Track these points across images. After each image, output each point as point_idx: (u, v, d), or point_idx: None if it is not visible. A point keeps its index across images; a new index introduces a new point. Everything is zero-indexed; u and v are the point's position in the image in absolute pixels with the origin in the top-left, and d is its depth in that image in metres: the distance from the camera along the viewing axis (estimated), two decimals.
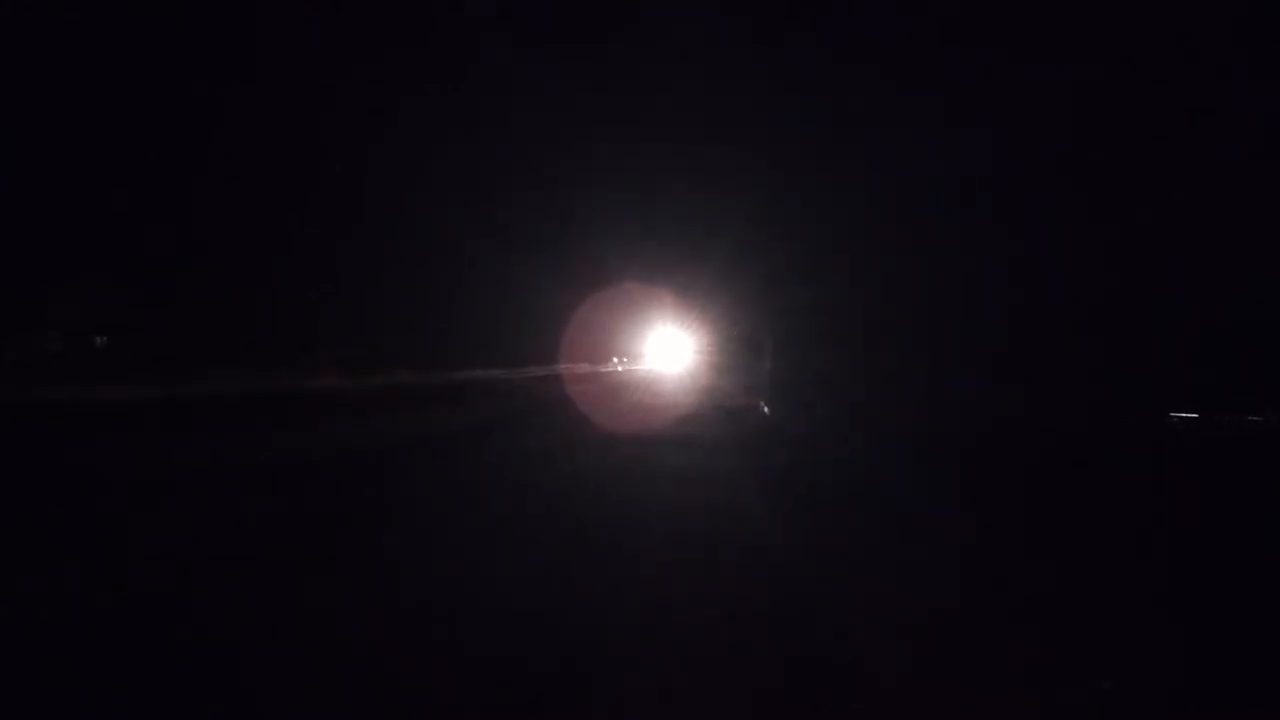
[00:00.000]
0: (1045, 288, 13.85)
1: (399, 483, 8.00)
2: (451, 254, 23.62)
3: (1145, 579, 5.09)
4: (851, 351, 15.33)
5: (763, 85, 21.71)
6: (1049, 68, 14.99)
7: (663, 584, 4.54)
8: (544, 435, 12.55)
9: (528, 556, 5.06)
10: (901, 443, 12.31)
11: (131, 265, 19.53)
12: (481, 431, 12.84)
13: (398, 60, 22.25)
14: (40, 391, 12.97)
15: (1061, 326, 13.65)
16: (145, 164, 19.14)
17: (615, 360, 36.73)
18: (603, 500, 7.00)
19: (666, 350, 35.11)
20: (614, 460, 9.60)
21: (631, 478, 8.31)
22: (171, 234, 19.60)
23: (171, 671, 3.37)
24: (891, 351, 14.87)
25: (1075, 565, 5.36)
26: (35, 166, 17.72)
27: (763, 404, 16.62)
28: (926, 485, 8.47)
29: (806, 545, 5.74)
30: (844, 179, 17.82)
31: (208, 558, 5.05)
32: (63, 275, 18.74)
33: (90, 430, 10.37)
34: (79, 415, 11.33)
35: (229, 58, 19.74)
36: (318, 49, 20.87)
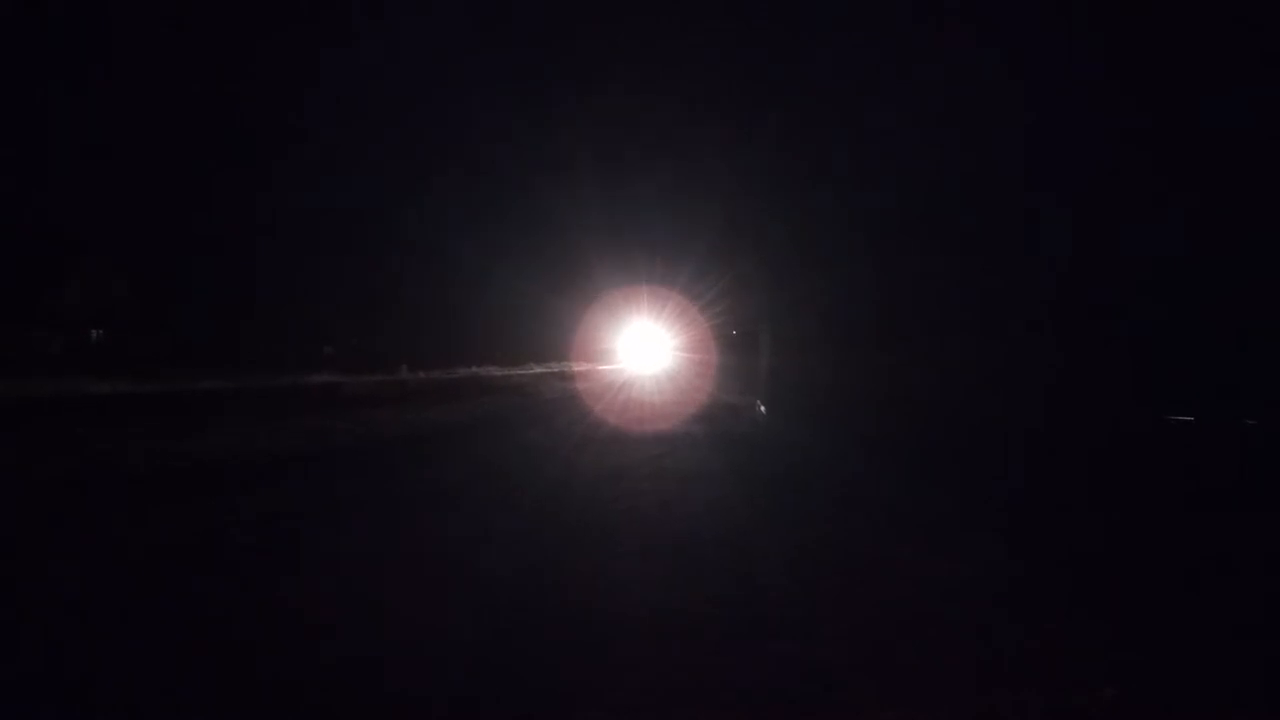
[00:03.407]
0: (1050, 288, 13.97)
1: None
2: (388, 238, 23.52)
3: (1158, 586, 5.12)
4: (859, 350, 15.18)
5: (753, 74, 21.49)
6: (1053, 65, 15.17)
7: None
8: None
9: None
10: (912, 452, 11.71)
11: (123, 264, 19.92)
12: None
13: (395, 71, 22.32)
14: None
15: (1066, 328, 13.77)
16: (144, 163, 19.36)
17: (570, 364, 33.61)
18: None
19: (643, 349, 34.28)
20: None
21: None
22: (167, 233, 19.97)
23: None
24: (900, 351, 14.78)
25: (1087, 571, 5.42)
26: (39, 163, 18.04)
27: (759, 404, 16.33)
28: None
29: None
30: (847, 166, 17.76)
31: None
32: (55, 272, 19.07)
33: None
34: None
35: (232, 58, 19.92)
36: (322, 60, 20.97)
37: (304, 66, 20.77)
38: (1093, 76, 14.58)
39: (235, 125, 20.42)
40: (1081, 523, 6.97)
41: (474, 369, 25.78)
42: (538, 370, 28.88)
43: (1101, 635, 4.11)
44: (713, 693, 3.38)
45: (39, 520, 6.27)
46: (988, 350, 13.81)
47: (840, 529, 6.46)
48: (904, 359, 14.45)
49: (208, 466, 8.76)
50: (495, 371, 26.12)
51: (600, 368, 35.01)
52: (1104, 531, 6.61)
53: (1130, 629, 4.23)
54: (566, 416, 15.74)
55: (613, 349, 35.71)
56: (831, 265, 16.13)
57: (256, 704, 3.27)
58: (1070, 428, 12.41)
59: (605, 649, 3.83)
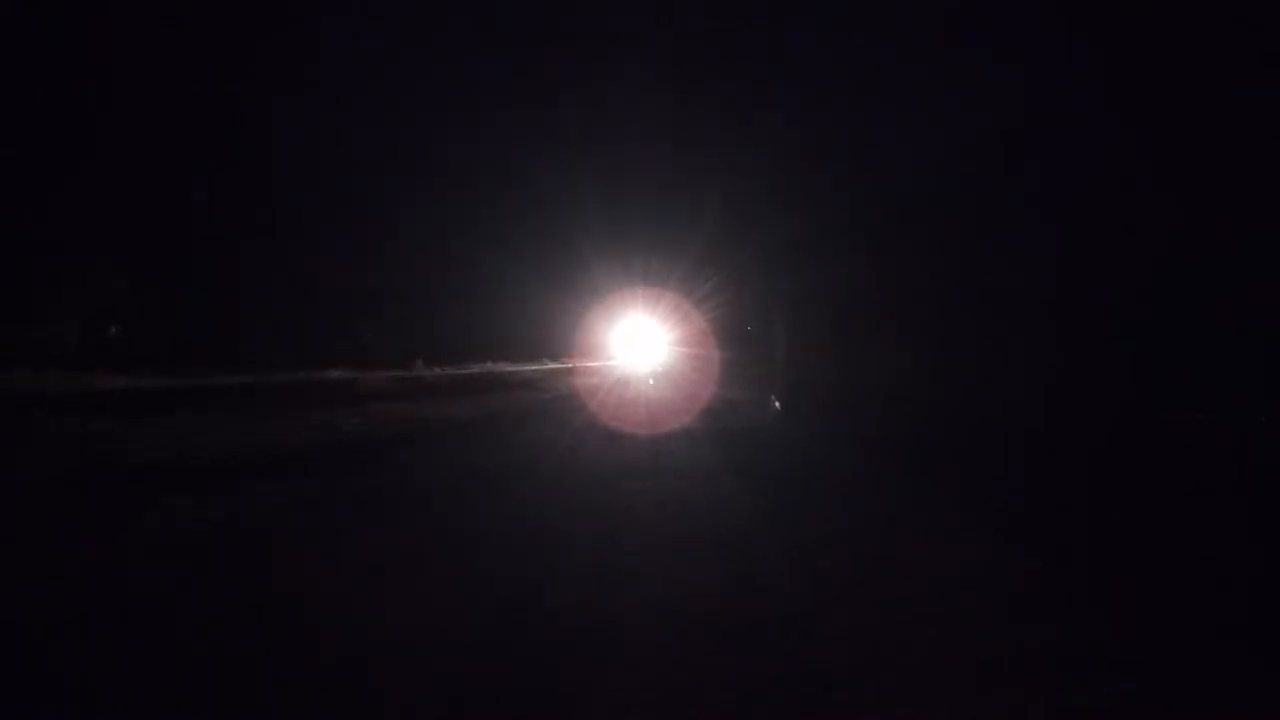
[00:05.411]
0: (1050, 288, 13.92)
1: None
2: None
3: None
4: (858, 348, 15.04)
5: (755, 70, 21.22)
6: (1054, 62, 15.13)
7: None
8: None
9: None
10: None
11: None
12: None
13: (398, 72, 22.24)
14: None
15: (1066, 327, 13.73)
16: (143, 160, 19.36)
17: (574, 360, 32.47)
18: None
19: (644, 345, 33.96)
20: None
21: None
22: (175, 232, 20.05)
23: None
24: (900, 349, 14.68)
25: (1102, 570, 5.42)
26: (40, 156, 18.00)
27: (774, 399, 16.22)
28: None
29: None
30: (847, 166, 17.59)
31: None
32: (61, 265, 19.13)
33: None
34: None
35: (233, 57, 19.90)
36: (324, 59, 20.88)
37: (307, 66, 20.71)
38: (1095, 74, 14.56)
39: (239, 124, 20.40)
40: (1082, 522, 6.97)
41: (487, 365, 25.85)
42: (549, 366, 28.95)
43: (1102, 635, 4.11)
44: (713, 692, 3.38)
45: (49, 515, 6.27)
46: (987, 349, 13.78)
47: (841, 528, 6.46)
48: (904, 357, 14.41)
49: (225, 460, 8.83)
50: (508, 368, 26.20)
51: (603, 364, 34.84)
52: (1105, 531, 6.61)
53: (1131, 629, 4.23)
54: (574, 414, 15.74)
55: (614, 345, 35.46)
56: (833, 262, 16.04)
57: (255, 704, 3.27)
58: (1070, 427, 12.40)
59: (605, 648, 3.83)
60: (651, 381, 25.46)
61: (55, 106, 17.89)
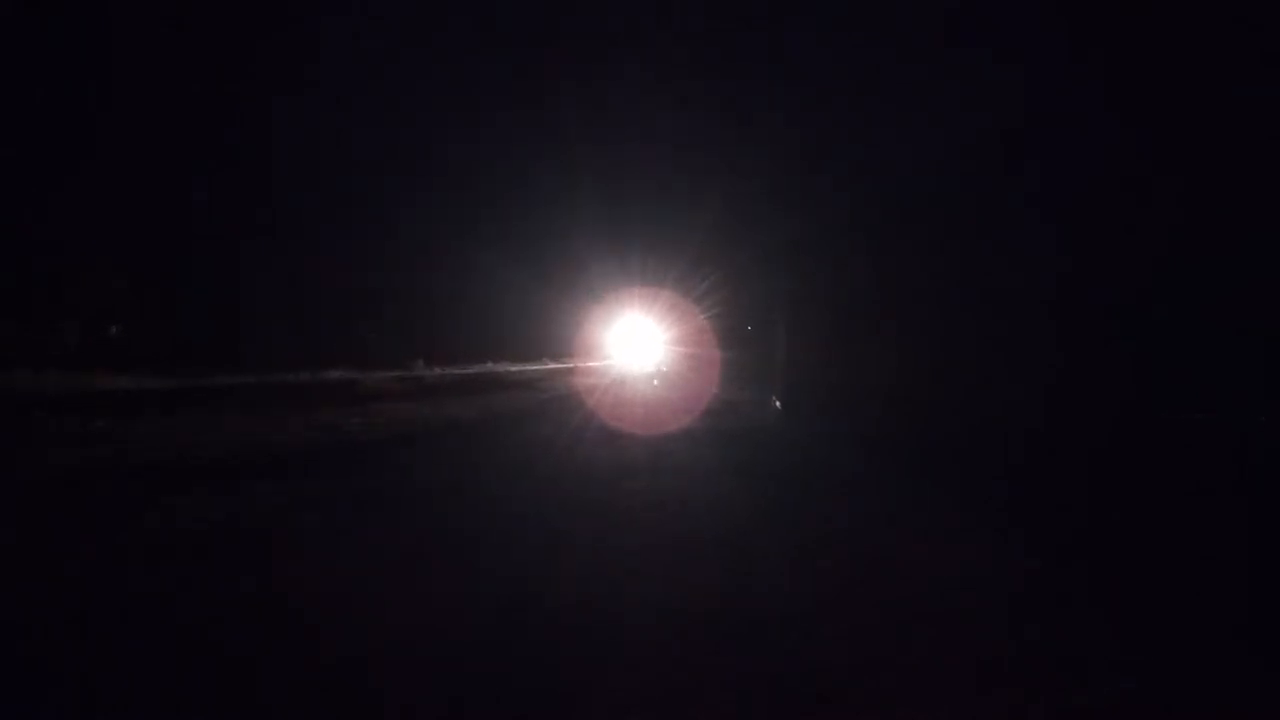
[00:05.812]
0: (1050, 288, 13.90)
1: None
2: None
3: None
4: (857, 347, 14.99)
5: (754, 69, 21.15)
6: (1055, 62, 15.13)
7: None
8: None
9: None
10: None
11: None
12: None
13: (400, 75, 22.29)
14: None
15: (1066, 327, 13.71)
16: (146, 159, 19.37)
17: (574, 360, 32.51)
18: None
19: (643, 345, 33.93)
20: None
21: None
22: (174, 232, 20.09)
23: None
24: (899, 349, 14.64)
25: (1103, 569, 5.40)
26: (40, 156, 18.05)
27: (774, 399, 16.21)
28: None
29: None
30: (847, 167, 17.57)
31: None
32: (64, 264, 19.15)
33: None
34: None
35: (236, 57, 19.93)
36: (324, 59, 20.89)
37: (307, 66, 20.70)
38: (1095, 74, 14.56)
39: (239, 124, 20.41)
40: (1082, 522, 6.96)
41: (486, 365, 25.88)
42: (549, 366, 29.01)
43: (1102, 635, 4.11)
44: (713, 692, 3.38)
45: (49, 515, 6.26)
46: (987, 349, 13.76)
47: (841, 528, 6.46)
48: (904, 357, 14.39)
49: (225, 459, 8.84)
50: (507, 367, 26.22)
51: (602, 364, 34.82)
52: (1104, 531, 6.60)
53: (1131, 629, 4.23)
54: (573, 414, 15.72)
55: (613, 345, 35.44)
56: (833, 262, 16.02)
57: (255, 704, 3.27)
58: (1070, 427, 12.39)
59: (605, 648, 3.83)
60: (655, 382, 25.40)
61: (56, 106, 17.90)
